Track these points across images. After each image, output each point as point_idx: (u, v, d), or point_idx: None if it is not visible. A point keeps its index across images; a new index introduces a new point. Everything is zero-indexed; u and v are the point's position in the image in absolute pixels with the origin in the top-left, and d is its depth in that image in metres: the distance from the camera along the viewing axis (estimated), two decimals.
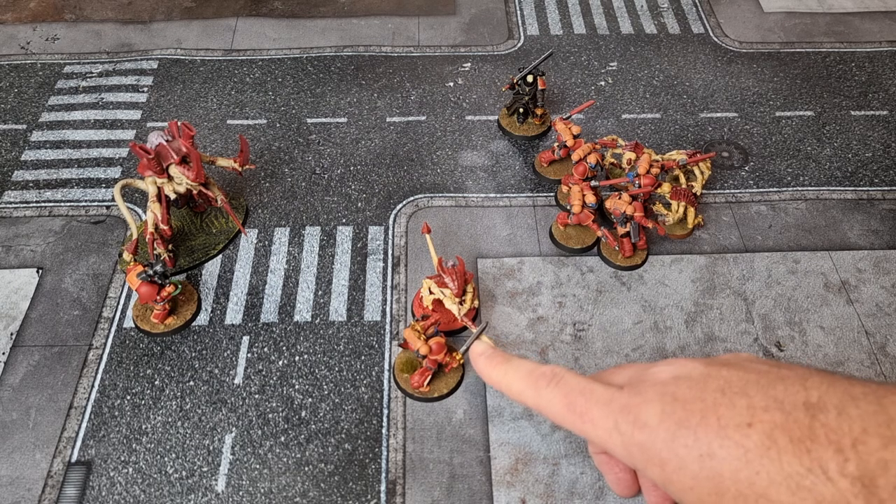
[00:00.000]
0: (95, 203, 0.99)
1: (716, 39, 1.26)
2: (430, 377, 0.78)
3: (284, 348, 0.84)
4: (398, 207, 0.99)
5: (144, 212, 0.98)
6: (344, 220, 0.97)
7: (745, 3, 1.34)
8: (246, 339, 0.84)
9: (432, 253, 0.84)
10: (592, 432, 0.41)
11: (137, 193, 1.00)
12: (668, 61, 1.21)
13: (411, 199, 1.00)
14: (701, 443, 0.34)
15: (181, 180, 0.85)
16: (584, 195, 0.91)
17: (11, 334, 0.85)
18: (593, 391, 0.41)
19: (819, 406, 0.33)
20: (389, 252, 0.93)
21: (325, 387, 0.80)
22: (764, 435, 0.33)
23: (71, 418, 0.78)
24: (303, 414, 0.78)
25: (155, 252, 0.87)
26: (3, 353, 0.83)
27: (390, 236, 0.95)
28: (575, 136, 0.97)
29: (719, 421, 0.34)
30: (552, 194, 1.00)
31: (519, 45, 1.25)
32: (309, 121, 1.11)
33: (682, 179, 0.96)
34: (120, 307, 0.87)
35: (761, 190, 1.02)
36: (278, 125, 1.10)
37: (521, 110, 1.06)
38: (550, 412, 0.44)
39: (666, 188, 0.93)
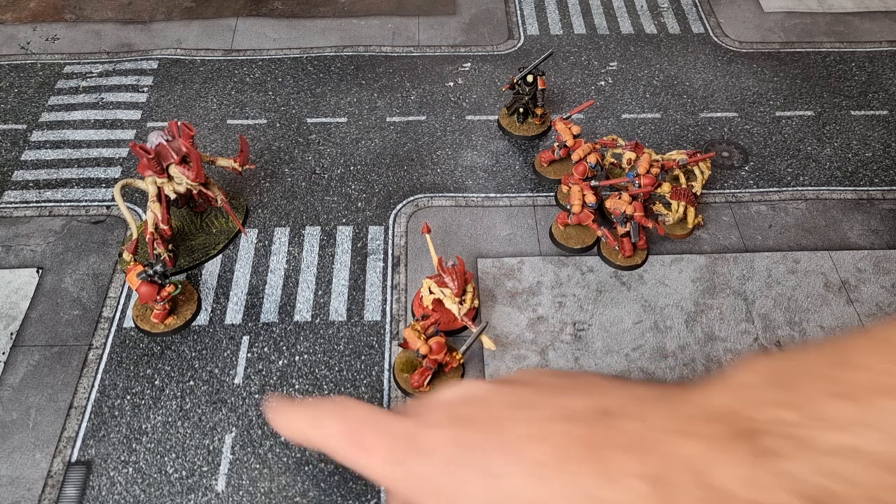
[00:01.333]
0: (95, 203, 0.99)
1: (716, 39, 1.26)
2: (430, 377, 0.78)
3: (284, 348, 0.84)
4: (398, 207, 0.99)
5: (144, 212, 0.98)
6: (344, 220, 0.97)
7: (745, 3, 1.34)
8: (246, 338, 0.84)
9: (432, 253, 0.84)
10: (372, 466, 0.36)
11: (137, 193, 1.00)
12: (669, 61, 1.21)
13: (411, 198, 1.00)
14: (486, 463, 0.31)
15: (181, 180, 0.85)
16: (584, 195, 0.91)
17: (11, 334, 0.85)
18: (378, 420, 0.36)
19: (611, 411, 0.31)
20: (389, 252, 0.93)
21: (325, 387, 0.80)
22: (556, 446, 0.31)
23: (71, 418, 0.78)
24: None
25: (155, 252, 0.87)
26: (3, 353, 0.83)
27: (390, 236, 0.95)
28: (575, 136, 0.97)
29: (505, 437, 0.32)
30: (552, 194, 1.00)
31: (519, 45, 1.25)
32: (309, 121, 1.11)
33: (682, 179, 0.96)
34: (120, 307, 0.87)
35: (761, 190, 1.02)
36: (278, 125, 1.10)
37: (521, 110, 1.06)
38: (338, 452, 0.38)
39: (666, 188, 0.93)
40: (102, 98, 1.14)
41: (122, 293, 0.89)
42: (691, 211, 0.93)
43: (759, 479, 0.27)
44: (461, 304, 0.80)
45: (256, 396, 0.79)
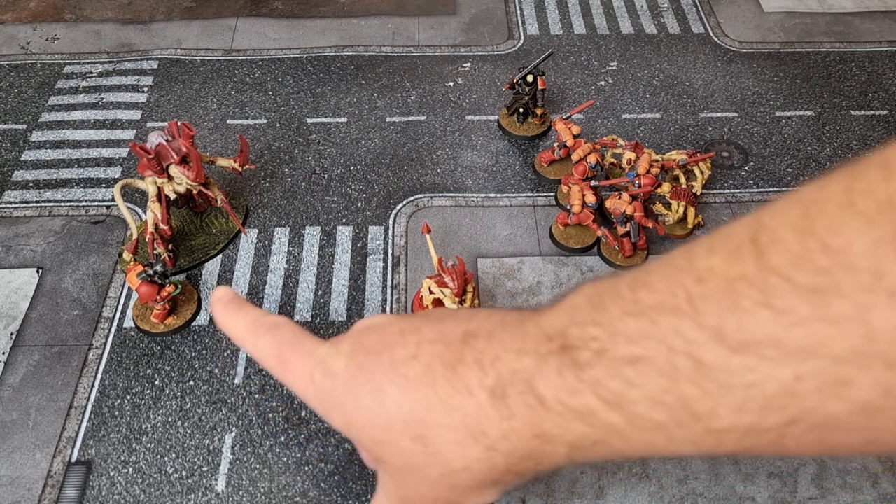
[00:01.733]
0: (95, 203, 0.99)
1: (716, 39, 1.26)
2: None
3: None
4: (398, 207, 0.99)
5: (144, 212, 0.98)
6: (344, 220, 0.97)
7: (745, 2, 1.34)
8: None
9: (432, 253, 0.84)
10: (293, 383, 0.42)
11: (137, 193, 1.00)
12: (669, 61, 1.22)
13: (411, 198, 1.00)
14: (374, 380, 0.36)
15: (181, 180, 0.85)
16: (584, 195, 0.91)
17: (11, 334, 0.85)
18: (302, 342, 0.42)
19: (474, 333, 0.35)
20: (389, 252, 0.93)
21: None
22: (424, 364, 0.35)
23: (71, 418, 0.78)
24: (303, 413, 0.78)
25: (155, 252, 0.87)
26: (3, 353, 0.83)
27: (390, 236, 0.95)
28: (575, 136, 0.97)
29: (391, 357, 0.36)
30: (552, 194, 1.00)
31: (519, 44, 1.25)
32: (309, 121, 1.11)
33: (682, 179, 0.96)
34: (120, 307, 0.87)
35: (761, 190, 1.02)
36: (278, 125, 1.10)
37: (521, 110, 1.06)
38: (264, 361, 0.44)
39: (666, 188, 0.93)
40: (102, 98, 1.14)
41: (122, 293, 0.89)
42: (691, 211, 0.93)
43: (571, 386, 0.31)
44: (461, 304, 0.80)
45: (256, 396, 0.79)
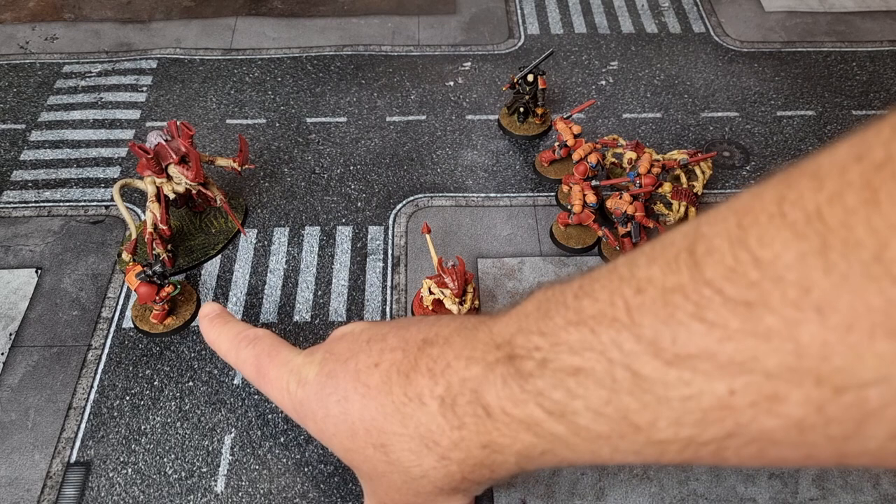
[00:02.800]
0: (94, 203, 0.99)
1: (717, 39, 1.26)
2: None
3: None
4: (398, 207, 0.99)
5: (143, 212, 0.97)
6: (343, 220, 0.97)
7: (746, 2, 1.34)
8: None
9: (432, 253, 0.83)
10: (271, 393, 0.43)
11: (136, 193, 1.00)
12: (669, 60, 1.21)
13: (411, 198, 1.00)
14: (339, 389, 0.36)
15: (180, 180, 0.84)
16: (584, 195, 0.90)
17: (10, 335, 0.84)
18: (279, 352, 0.44)
19: (431, 340, 0.35)
20: (389, 252, 0.93)
21: None
22: (383, 372, 0.35)
23: (70, 419, 0.77)
24: None
25: (154, 252, 0.87)
26: (2, 354, 0.83)
27: (390, 236, 0.95)
28: (576, 136, 0.97)
29: (356, 365, 0.37)
30: (553, 194, 1.00)
31: (519, 44, 1.24)
32: (308, 120, 1.10)
33: (684, 179, 0.95)
34: (119, 307, 0.87)
35: None
36: (278, 125, 1.10)
37: (521, 110, 1.06)
38: (246, 373, 0.46)
39: (667, 188, 0.92)
40: (101, 97, 1.13)
41: (121, 293, 0.89)
42: (692, 211, 0.93)
43: (514, 395, 0.31)
44: (461, 304, 0.80)
45: (256, 397, 0.79)
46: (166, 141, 0.83)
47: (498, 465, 0.33)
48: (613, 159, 1.00)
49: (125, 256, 0.88)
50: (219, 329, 0.50)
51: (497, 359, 0.32)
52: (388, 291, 0.89)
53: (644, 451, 0.28)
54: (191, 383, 0.80)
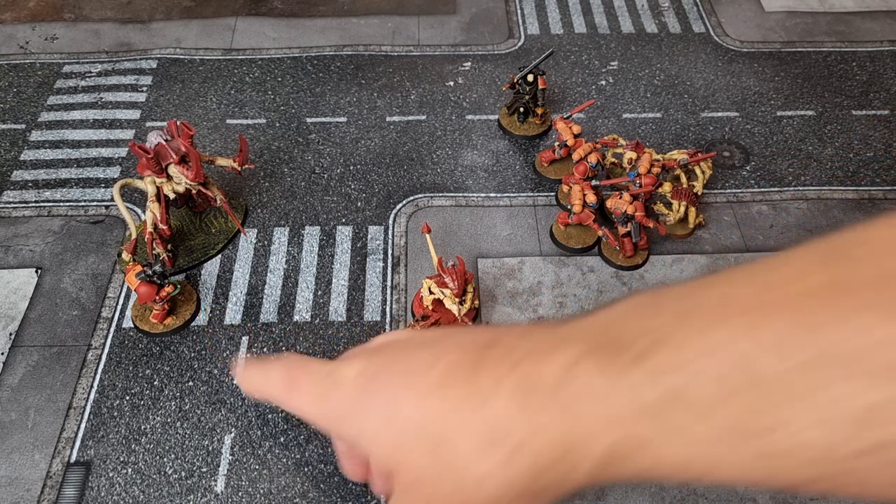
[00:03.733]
0: (94, 203, 0.99)
1: (717, 39, 1.26)
2: None
3: (284, 348, 0.83)
4: (398, 207, 0.98)
5: (143, 211, 0.97)
6: (343, 220, 0.97)
7: (746, 2, 1.34)
8: (245, 339, 0.84)
9: (432, 253, 0.83)
10: (303, 405, 0.40)
11: (136, 193, 1.00)
12: (669, 60, 1.21)
13: (411, 198, 1.00)
14: (386, 389, 0.35)
15: (180, 180, 0.84)
16: (584, 195, 0.90)
17: (10, 334, 0.84)
18: (309, 363, 0.41)
19: (494, 343, 0.34)
20: (389, 252, 0.93)
21: None
22: (441, 372, 0.33)
23: (70, 419, 0.77)
24: None
25: (154, 252, 0.87)
26: (3, 354, 0.83)
27: (390, 236, 0.95)
28: (576, 136, 0.97)
29: (406, 368, 0.35)
30: (553, 194, 1.00)
31: (519, 44, 1.24)
32: (308, 120, 1.10)
33: (684, 179, 0.95)
34: (119, 307, 0.87)
35: (762, 190, 1.01)
36: (278, 125, 1.10)
37: (521, 110, 1.06)
38: (275, 391, 0.43)
39: (667, 188, 0.92)
40: (101, 97, 1.13)
41: (121, 293, 0.89)
42: (692, 211, 0.93)
43: (602, 389, 0.28)
44: (461, 304, 0.80)
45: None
46: (166, 141, 0.83)
47: (570, 470, 0.30)
48: (613, 159, 1.00)
49: (125, 256, 0.88)
50: (250, 370, 0.49)
51: (581, 352, 0.30)
52: (388, 291, 0.89)
53: (751, 464, 0.26)
54: (191, 383, 0.80)
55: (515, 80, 1.04)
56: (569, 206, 0.91)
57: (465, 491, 0.32)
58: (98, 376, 0.81)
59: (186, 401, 0.79)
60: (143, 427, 0.77)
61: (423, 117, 1.11)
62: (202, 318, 0.86)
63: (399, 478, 0.37)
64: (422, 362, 0.35)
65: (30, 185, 1.01)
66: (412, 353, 0.36)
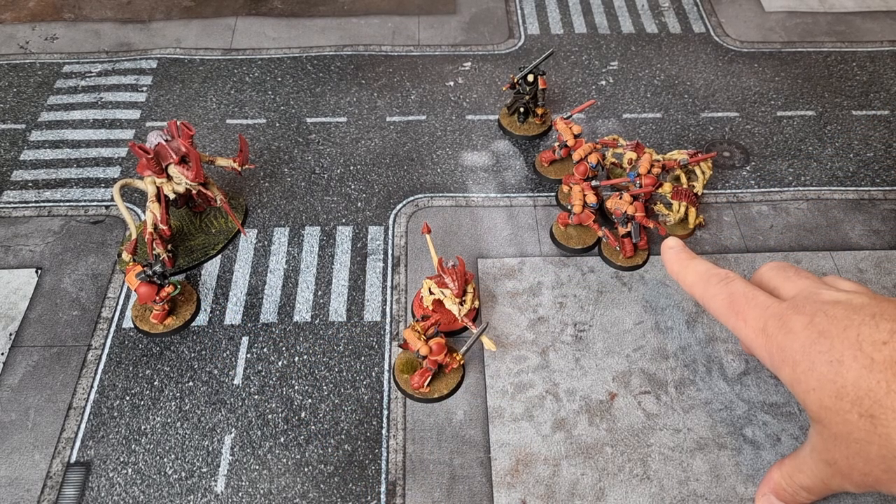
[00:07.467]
0: (94, 203, 0.99)
1: (717, 39, 1.26)
2: (430, 378, 0.78)
3: (284, 349, 0.83)
4: (398, 207, 0.98)
5: (143, 212, 0.97)
6: (343, 220, 0.97)
7: (746, 2, 1.34)
8: (245, 339, 0.84)
9: (432, 253, 0.83)
10: (743, 330, 0.45)
11: (136, 193, 1.00)
12: (670, 61, 1.21)
13: (411, 198, 1.00)
14: (835, 350, 0.37)
15: (180, 180, 0.84)
16: (584, 195, 0.90)
17: (10, 335, 0.84)
18: (755, 296, 0.45)
19: None
20: (389, 252, 0.93)
21: (324, 387, 0.80)
22: (891, 349, 0.36)
23: (70, 419, 0.77)
24: (302, 415, 0.78)
25: (154, 252, 0.87)
26: (2, 354, 0.83)
27: (390, 236, 0.95)
28: (576, 136, 0.97)
29: (858, 336, 0.37)
30: (553, 194, 1.00)
31: (519, 44, 1.24)
32: (308, 120, 1.10)
33: (684, 179, 0.95)
34: (119, 307, 0.87)
35: (763, 190, 1.01)
36: (278, 125, 1.10)
37: (521, 110, 1.06)
38: (712, 305, 0.49)
39: (667, 188, 0.92)
40: (101, 97, 1.13)
41: (121, 293, 0.89)
42: (692, 211, 0.93)
43: None
44: (461, 304, 0.80)
45: (256, 397, 0.79)
46: (166, 141, 0.83)
47: None
48: (613, 159, 1.00)
49: (125, 256, 0.88)
50: (685, 262, 0.55)
51: None
52: (388, 291, 0.89)
53: None
54: (191, 383, 0.80)
55: (515, 81, 1.04)
56: (569, 207, 0.91)
57: (888, 461, 0.35)
58: (98, 376, 0.81)
59: (186, 401, 0.79)
60: (143, 427, 0.77)
61: (423, 117, 1.11)
62: (202, 319, 0.86)
63: (825, 428, 0.39)
64: (875, 335, 0.37)
65: (30, 185, 1.01)
66: (864, 323, 0.38)
